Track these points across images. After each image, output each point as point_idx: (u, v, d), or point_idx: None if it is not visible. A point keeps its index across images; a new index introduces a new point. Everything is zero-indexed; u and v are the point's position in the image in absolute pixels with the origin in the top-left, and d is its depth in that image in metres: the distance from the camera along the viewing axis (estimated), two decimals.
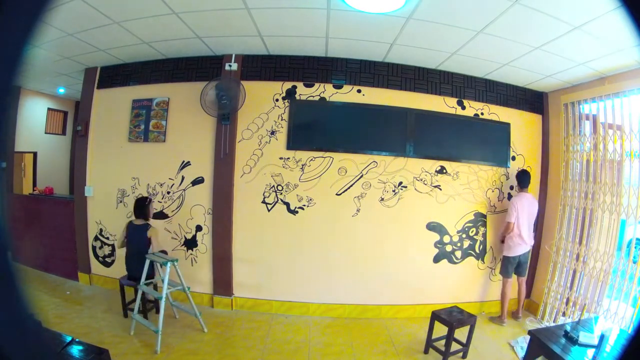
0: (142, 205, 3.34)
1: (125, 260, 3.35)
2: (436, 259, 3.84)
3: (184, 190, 3.81)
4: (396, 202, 3.74)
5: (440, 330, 3.01)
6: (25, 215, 4.50)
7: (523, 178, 3.76)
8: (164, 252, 3.37)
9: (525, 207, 3.65)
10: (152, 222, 3.41)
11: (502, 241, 3.84)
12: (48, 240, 4.40)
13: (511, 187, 4.02)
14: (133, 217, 3.36)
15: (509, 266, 3.72)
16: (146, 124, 3.89)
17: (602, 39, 2.62)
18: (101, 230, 4.10)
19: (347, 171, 3.68)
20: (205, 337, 3.12)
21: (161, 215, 3.83)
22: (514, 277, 3.80)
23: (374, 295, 3.77)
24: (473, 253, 3.94)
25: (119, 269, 3.96)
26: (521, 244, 3.66)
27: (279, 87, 3.68)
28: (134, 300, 3.18)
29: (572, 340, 2.42)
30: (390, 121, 3.72)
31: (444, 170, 3.81)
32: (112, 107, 4.07)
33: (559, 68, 3.35)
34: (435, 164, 3.80)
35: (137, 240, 3.25)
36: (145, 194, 3.86)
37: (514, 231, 3.64)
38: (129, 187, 3.95)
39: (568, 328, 2.55)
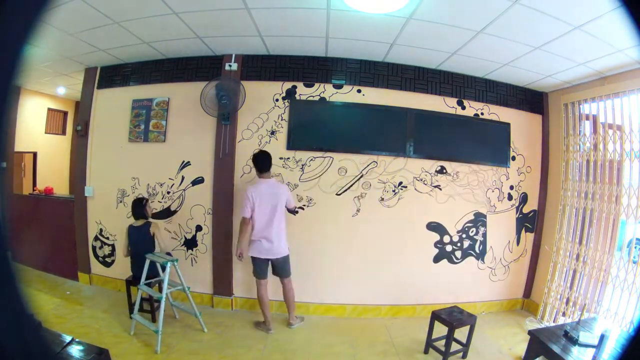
0: (139, 206, 3.33)
1: (130, 260, 3.34)
2: (436, 259, 3.84)
3: (184, 190, 3.81)
4: (396, 202, 3.74)
5: (441, 330, 3.01)
6: (25, 215, 4.50)
7: (259, 161, 3.13)
8: (168, 253, 3.37)
9: (264, 197, 3.05)
10: (152, 220, 3.41)
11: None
12: (48, 240, 4.40)
13: (511, 187, 4.02)
14: (132, 220, 3.36)
15: (257, 267, 3.17)
16: (146, 124, 3.89)
17: (602, 39, 2.62)
18: (101, 230, 4.10)
19: (347, 171, 3.68)
20: (205, 337, 3.12)
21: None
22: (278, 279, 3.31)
23: (374, 295, 3.77)
24: (473, 253, 3.94)
25: (119, 269, 3.97)
26: (263, 243, 3.07)
27: (279, 87, 3.68)
28: (141, 300, 3.19)
29: (572, 340, 2.43)
30: (390, 121, 3.71)
31: (444, 170, 3.81)
32: (112, 107, 4.07)
33: (559, 68, 3.35)
34: (435, 164, 3.80)
35: (140, 241, 3.25)
36: (146, 194, 3.86)
37: (253, 227, 3.07)
38: (129, 187, 3.95)
39: (568, 328, 2.55)
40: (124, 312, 3.39)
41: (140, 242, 3.25)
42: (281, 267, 3.24)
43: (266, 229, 3.09)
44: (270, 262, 3.22)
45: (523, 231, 4.12)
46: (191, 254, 3.82)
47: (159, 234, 3.29)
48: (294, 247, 3.69)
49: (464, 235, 3.89)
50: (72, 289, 4.02)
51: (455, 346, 2.90)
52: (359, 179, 3.69)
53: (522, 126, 4.04)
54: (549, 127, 4.09)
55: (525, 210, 4.10)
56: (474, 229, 3.93)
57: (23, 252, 4.09)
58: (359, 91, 3.69)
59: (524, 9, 2.34)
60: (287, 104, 3.68)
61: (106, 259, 4.12)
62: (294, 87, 3.68)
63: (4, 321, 0.48)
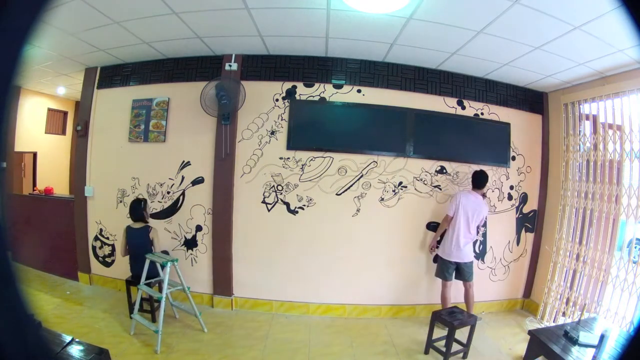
0: (137, 208, 3.30)
1: (129, 261, 3.34)
2: (436, 259, 3.83)
3: (184, 190, 3.81)
4: (396, 202, 3.74)
5: (441, 330, 3.01)
6: (25, 215, 4.50)
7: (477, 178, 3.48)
8: (166, 252, 3.36)
9: (469, 206, 3.37)
10: (151, 222, 3.40)
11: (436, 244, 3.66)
12: (48, 240, 4.40)
13: (511, 187, 4.02)
14: (130, 222, 3.32)
15: (445, 269, 3.48)
16: (146, 124, 3.89)
17: (602, 39, 2.62)
18: (101, 230, 4.10)
19: (347, 171, 3.68)
20: (205, 337, 3.12)
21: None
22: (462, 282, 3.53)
23: (374, 295, 3.77)
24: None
25: (119, 269, 3.97)
26: (458, 248, 3.39)
27: (279, 87, 3.68)
28: (141, 300, 3.19)
29: (572, 340, 2.43)
30: (390, 121, 3.71)
31: (444, 170, 3.81)
32: (112, 107, 4.07)
33: (559, 68, 3.35)
34: (435, 164, 3.80)
35: (139, 243, 3.23)
36: (146, 194, 3.85)
37: (451, 231, 3.41)
38: (129, 187, 3.95)
39: (568, 328, 2.56)
40: (124, 312, 3.38)
41: (140, 244, 3.23)
42: (465, 272, 3.48)
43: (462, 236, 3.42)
44: (457, 266, 3.48)
45: (523, 231, 4.12)
46: (191, 254, 3.82)
47: (157, 242, 3.29)
48: (293, 247, 3.70)
49: None
50: (72, 289, 4.02)
51: (455, 346, 2.90)
52: (359, 179, 3.69)
53: (522, 126, 4.04)
54: (549, 127, 4.09)
55: (525, 210, 4.10)
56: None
57: (23, 252, 4.08)
58: (359, 91, 3.69)
59: (524, 8, 2.33)
60: (287, 104, 3.68)
61: (106, 259, 4.12)
62: (294, 87, 3.68)
63: (4, 321, 0.48)
